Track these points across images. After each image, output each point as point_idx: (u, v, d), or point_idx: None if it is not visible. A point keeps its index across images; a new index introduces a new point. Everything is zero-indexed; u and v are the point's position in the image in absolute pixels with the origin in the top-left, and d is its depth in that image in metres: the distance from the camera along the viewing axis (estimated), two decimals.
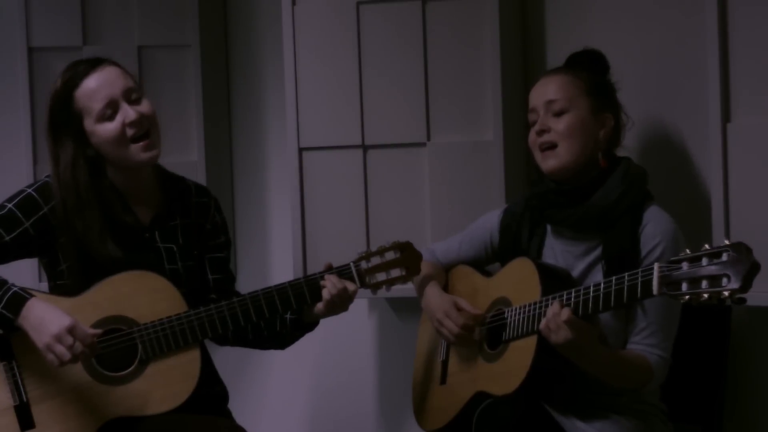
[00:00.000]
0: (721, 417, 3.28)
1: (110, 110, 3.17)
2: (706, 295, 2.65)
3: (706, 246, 2.68)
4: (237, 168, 4.42)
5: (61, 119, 3.19)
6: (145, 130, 3.20)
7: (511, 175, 3.71)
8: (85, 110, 3.17)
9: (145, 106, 3.21)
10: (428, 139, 3.81)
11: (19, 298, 3.05)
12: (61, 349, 3.00)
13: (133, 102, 3.20)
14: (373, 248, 3.26)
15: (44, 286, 3.28)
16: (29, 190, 3.19)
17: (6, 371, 3.10)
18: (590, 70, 3.16)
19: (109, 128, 3.17)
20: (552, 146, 3.11)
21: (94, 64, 3.21)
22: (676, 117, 3.45)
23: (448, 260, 3.43)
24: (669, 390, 3.17)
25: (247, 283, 3.58)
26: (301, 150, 3.94)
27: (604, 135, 3.11)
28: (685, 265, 2.70)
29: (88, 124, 3.18)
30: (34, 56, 4.25)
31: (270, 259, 4.35)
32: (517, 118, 3.74)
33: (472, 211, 3.61)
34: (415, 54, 3.80)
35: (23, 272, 3.75)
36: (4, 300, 3.04)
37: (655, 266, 2.75)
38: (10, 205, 3.15)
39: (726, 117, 3.22)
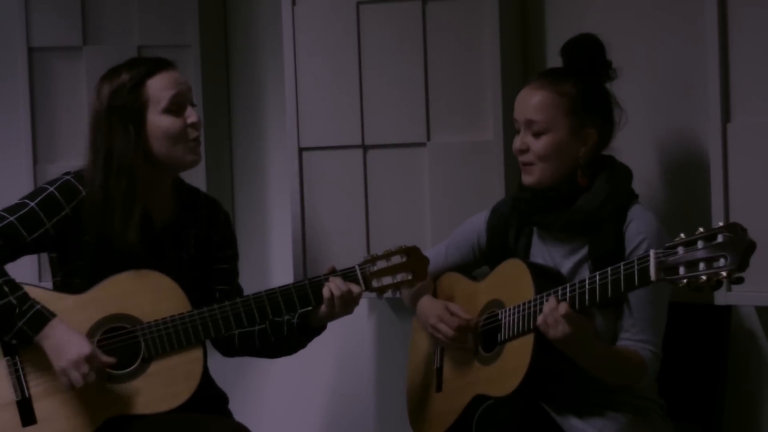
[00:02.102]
0: (721, 417, 3.29)
1: (177, 106, 3.20)
2: (704, 277, 2.64)
3: (701, 229, 2.68)
4: (237, 168, 4.42)
5: (126, 103, 3.18)
6: (196, 136, 3.25)
7: (511, 175, 3.71)
8: (152, 99, 3.19)
9: (199, 117, 3.27)
10: (428, 139, 3.81)
11: (42, 317, 3.06)
12: (76, 375, 3.03)
13: (193, 108, 3.25)
14: (379, 252, 3.25)
15: (44, 285, 3.27)
16: (51, 189, 3.18)
17: (9, 366, 3.11)
18: (581, 71, 3.13)
19: (174, 122, 3.20)
20: (531, 163, 3.13)
21: (165, 62, 3.26)
22: (676, 117, 3.45)
23: (435, 268, 3.41)
24: (669, 389, 3.17)
25: (247, 283, 3.57)
26: (301, 150, 3.94)
27: (585, 152, 3.10)
28: (680, 250, 2.69)
29: (152, 113, 3.19)
30: (34, 56, 4.25)
31: (270, 259, 4.35)
32: None
33: (472, 211, 3.60)
34: (415, 54, 3.80)
35: (23, 271, 3.74)
36: (27, 317, 3.05)
37: (651, 252, 2.75)
38: (32, 204, 3.15)
39: (726, 117, 3.22)
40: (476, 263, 3.39)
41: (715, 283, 2.64)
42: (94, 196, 3.17)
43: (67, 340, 3.05)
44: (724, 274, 2.62)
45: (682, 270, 2.68)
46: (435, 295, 3.39)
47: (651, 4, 3.52)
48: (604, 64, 3.16)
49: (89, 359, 3.03)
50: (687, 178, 3.43)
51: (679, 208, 3.39)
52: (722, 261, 2.63)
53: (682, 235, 2.71)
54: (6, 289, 3.05)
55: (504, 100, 3.71)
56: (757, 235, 3.07)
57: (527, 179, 3.15)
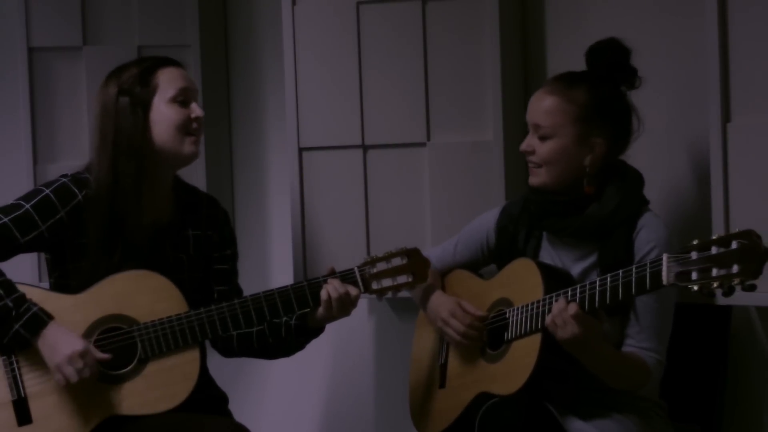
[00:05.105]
0: (721, 417, 3.28)
1: (183, 98, 3.23)
2: (716, 283, 2.63)
3: (715, 235, 2.66)
4: (237, 168, 4.42)
5: (135, 87, 3.21)
6: (198, 131, 3.27)
7: (511, 175, 3.71)
8: (161, 87, 3.22)
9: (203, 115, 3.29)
10: (428, 139, 3.81)
11: (39, 320, 3.06)
12: (70, 370, 3.03)
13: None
14: (380, 253, 3.25)
15: (43, 285, 3.27)
16: (47, 191, 3.18)
17: (5, 366, 3.11)
18: (600, 76, 3.11)
19: (178, 111, 3.22)
20: (536, 165, 3.13)
21: (175, 60, 3.30)
22: (676, 117, 3.45)
23: (444, 264, 3.43)
24: (669, 389, 3.17)
25: (247, 283, 3.57)
26: (301, 150, 3.94)
27: (591, 160, 3.09)
28: (694, 254, 2.68)
29: (158, 100, 3.22)
30: (34, 56, 4.25)
31: (270, 259, 4.35)
32: (517, 118, 3.74)
33: (472, 211, 3.60)
34: (415, 54, 3.80)
35: (23, 270, 3.75)
36: (24, 319, 3.05)
37: (664, 256, 2.74)
38: (27, 206, 3.15)
39: (726, 117, 3.22)
40: (484, 261, 3.39)
41: (727, 290, 2.62)
42: (102, 182, 3.18)
43: (61, 339, 3.05)
44: (737, 281, 2.60)
45: (694, 275, 2.67)
46: (443, 291, 3.38)
47: (651, 5, 3.52)
48: (628, 71, 3.14)
49: (83, 355, 3.04)
50: (687, 178, 3.42)
51: (679, 208, 3.38)
52: (735, 268, 2.61)
53: (696, 240, 2.69)
54: (1, 291, 3.05)
55: (504, 100, 3.71)
56: None
57: (533, 180, 3.15)
